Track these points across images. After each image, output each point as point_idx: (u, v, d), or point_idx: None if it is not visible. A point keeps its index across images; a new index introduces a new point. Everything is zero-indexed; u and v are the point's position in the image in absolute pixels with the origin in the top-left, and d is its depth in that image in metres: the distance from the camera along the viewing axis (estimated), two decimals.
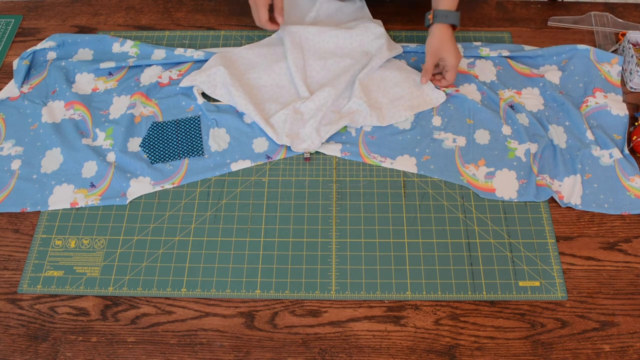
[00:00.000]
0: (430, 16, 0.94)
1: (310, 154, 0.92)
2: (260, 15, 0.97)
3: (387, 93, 0.98)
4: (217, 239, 0.85)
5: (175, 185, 0.90)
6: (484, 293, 0.79)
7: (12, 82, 1.03)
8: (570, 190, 0.88)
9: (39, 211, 0.88)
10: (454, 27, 0.94)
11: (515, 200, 0.87)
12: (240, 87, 0.97)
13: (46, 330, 0.77)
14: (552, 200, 0.88)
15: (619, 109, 0.96)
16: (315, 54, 1.03)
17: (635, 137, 0.91)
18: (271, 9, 0.98)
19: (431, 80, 0.99)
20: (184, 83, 1.00)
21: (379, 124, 0.95)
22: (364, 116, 0.95)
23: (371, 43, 1.03)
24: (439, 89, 0.98)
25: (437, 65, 0.98)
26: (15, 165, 0.93)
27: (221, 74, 0.98)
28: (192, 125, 0.96)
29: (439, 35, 0.92)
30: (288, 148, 0.93)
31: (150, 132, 0.95)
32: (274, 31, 1.07)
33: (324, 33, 1.03)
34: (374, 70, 1.00)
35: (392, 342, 0.76)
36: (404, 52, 1.05)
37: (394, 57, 1.04)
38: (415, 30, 1.10)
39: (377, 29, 1.03)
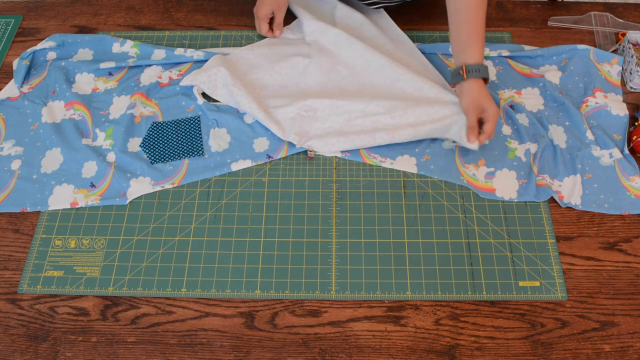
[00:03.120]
0: (462, 72, 0.87)
1: (314, 152, 0.92)
2: (260, 26, 1.06)
3: (430, 116, 0.92)
4: (217, 239, 0.85)
5: (175, 185, 0.90)
6: (484, 293, 0.79)
7: (12, 82, 1.03)
8: (570, 190, 0.88)
9: (39, 211, 0.88)
10: (485, 80, 0.88)
11: (515, 200, 0.87)
12: (243, 87, 0.96)
13: (46, 330, 0.77)
14: (552, 200, 0.88)
15: (619, 109, 0.96)
16: (344, 60, 1.01)
17: (635, 137, 0.91)
18: (271, 21, 1.07)
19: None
20: (185, 82, 1.00)
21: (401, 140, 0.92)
22: (381, 138, 0.91)
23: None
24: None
25: None
26: (15, 165, 0.93)
27: (222, 74, 0.98)
28: (192, 125, 0.96)
29: (477, 89, 0.86)
30: (290, 146, 0.93)
31: (150, 132, 0.95)
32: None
33: (356, 45, 1.00)
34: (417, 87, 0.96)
35: (392, 342, 0.76)
36: None
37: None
38: (415, 30, 1.10)
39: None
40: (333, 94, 0.97)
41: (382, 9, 1.11)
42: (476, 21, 0.87)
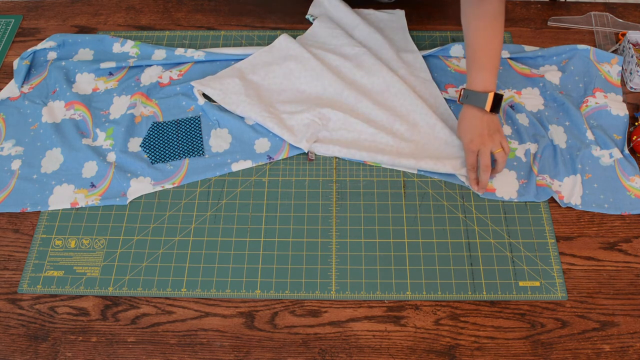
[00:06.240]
0: (459, 95, 0.89)
1: (314, 154, 0.92)
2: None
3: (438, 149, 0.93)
4: (217, 239, 0.85)
5: (175, 185, 0.90)
6: (484, 293, 0.79)
7: (12, 82, 1.03)
8: (570, 190, 0.88)
9: (39, 211, 0.88)
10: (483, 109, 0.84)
11: (516, 200, 0.87)
12: (255, 96, 0.96)
13: (46, 330, 0.77)
14: (552, 200, 0.88)
15: (619, 109, 0.96)
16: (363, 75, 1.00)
17: (635, 137, 0.91)
18: None
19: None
20: (196, 85, 0.99)
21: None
22: (381, 161, 0.91)
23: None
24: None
25: None
26: (16, 165, 0.93)
27: (235, 84, 0.98)
28: (192, 125, 0.96)
29: (462, 116, 0.86)
30: (291, 147, 0.93)
31: (151, 132, 0.96)
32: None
33: (377, 66, 0.99)
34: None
35: (392, 342, 0.76)
36: None
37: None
38: (414, 30, 1.10)
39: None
40: (348, 105, 0.96)
41: (402, 11, 1.10)
42: (474, 45, 0.86)
